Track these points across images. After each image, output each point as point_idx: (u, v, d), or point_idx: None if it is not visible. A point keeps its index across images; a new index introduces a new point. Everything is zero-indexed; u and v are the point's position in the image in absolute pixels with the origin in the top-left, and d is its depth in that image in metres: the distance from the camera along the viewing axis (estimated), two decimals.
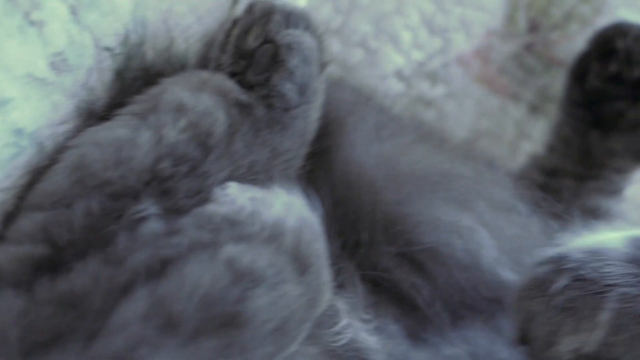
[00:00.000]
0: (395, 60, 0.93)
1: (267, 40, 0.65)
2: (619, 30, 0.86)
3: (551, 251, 0.56)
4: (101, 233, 0.53)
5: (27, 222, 0.55)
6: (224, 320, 0.47)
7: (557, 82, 0.96)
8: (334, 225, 0.69)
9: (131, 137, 0.57)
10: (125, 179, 0.56)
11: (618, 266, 0.53)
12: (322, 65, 0.69)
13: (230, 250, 0.50)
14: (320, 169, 0.71)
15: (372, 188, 0.70)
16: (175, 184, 0.57)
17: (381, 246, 0.69)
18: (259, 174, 0.63)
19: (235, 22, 0.68)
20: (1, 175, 0.56)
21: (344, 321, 0.61)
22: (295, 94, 0.64)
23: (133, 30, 0.65)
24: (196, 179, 0.58)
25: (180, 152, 0.58)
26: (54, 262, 0.52)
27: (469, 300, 0.68)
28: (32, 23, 0.55)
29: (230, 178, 0.60)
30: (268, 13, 0.67)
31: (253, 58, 0.65)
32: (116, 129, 0.58)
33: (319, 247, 0.55)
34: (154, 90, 0.62)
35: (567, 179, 0.92)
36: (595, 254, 0.54)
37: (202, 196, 0.57)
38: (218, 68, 0.67)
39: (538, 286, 0.54)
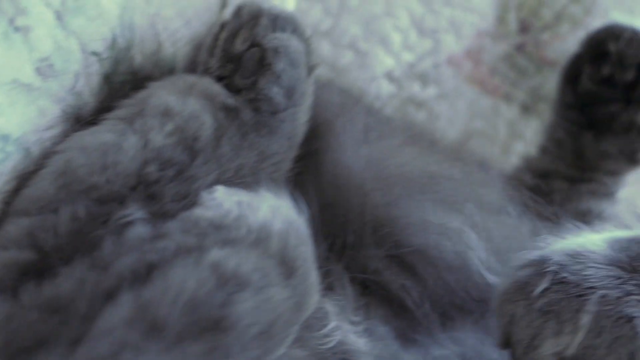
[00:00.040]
0: (385, 61, 0.93)
1: (254, 44, 0.65)
2: (611, 33, 0.86)
3: (533, 254, 0.56)
4: (87, 238, 0.53)
5: (13, 228, 0.55)
6: (208, 324, 0.47)
7: (549, 82, 0.96)
8: (323, 227, 0.69)
9: (117, 142, 0.58)
10: (111, 184, 0.56)
11: (599, 269, 0.53)
12: (310, 68, 0.69)
13: (215, 254, 0.50)
14: (309, 172, 0.71)
15: (360, 190, 0.70)
16: (162, 188, 0.57)
17: (370, 248, 0.69)
18: (247, 177, 0.63)
19: (223, 26, 0.69)
20: None
21: (332, 323, 0.61)
22: (283, 97, 0.64)
23: (120, 35, 0.65)
24: (183, 183, 0.58)
25: (167, 157, 0.58)
26: (39, 267, 0.52)
27: (458, 302, 0.68)
28: (17, 29, 0.55)
29: (218, 182, 0.60)
30: (255, 17, 0.67)
31: (240, 62, 0.65)
32: (102, 133, 0.58)
33: (305, 250, 0.55)
34: (140, 95, 0.62)
35: (559, 181, 0.92)
36: (577, 257, 0.54)
37: (189, 200, 0.57)
38: (206, 72, 0.67)
39: (520, 289, 0.54)
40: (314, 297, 0.56)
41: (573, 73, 0.90)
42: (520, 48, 0.97)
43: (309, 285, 0.55)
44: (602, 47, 0.87)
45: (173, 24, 0.72)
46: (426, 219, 0.69)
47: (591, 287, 0.52)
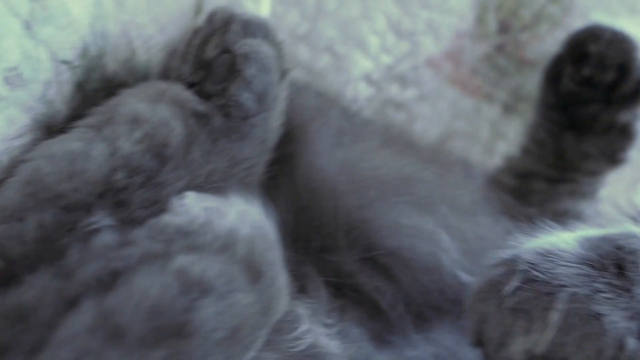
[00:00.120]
0: (363, 64, 0.94)
1: (225, 50, 0.66)
2: (591, 34, 0.87)
3: (505, 253, 0.56)
4: (54, 246, 0.54)
5: None
6: (171, 330, 0.48)
7: (530, 82, 0.97)
8: (297, 230, 0.70)
9: (85, 150, 0.58)
10: (79, 192, 0.56)
11: (569, 267, 0.53)
12: (283, 73, 0.70)
13: (181, 260, 0.51)
14: (284, 175, 0.72)
15: (334, 193, 0.70)
16: (130, 195, 0.58)
17: (344, 251, 0.69)
18: (219, 182, 0.63)
19: (195, 32, 0.69)
20: None
21: (304, 326, 0.62)
22: (253, 102, 0.65)
23: (92, 43, 0.66)
24: (152, 190, 0.59)
25: (136, 163, 0.59)
26: (5, 275, 0.53)
27: (434, 303, 0.69)
28: None
29: (189, 187, 0.60)
30: (227, 23, 0.67)
31: (211, 68, 0.66)
32: (70, 141, 0.59)
33: (272, 255, 0.55)
34: (111, 102, 0.63)
35: (539, 181, 0.92)
36: (547, 255, 0.54)
37: (158, 206, 0.57)
38: (179, 78, 0.68)
39: (491, 288, 0.54)
40: (283, 301, 0.56)
41: (554, 74, 0.90)
42: (500, 48, 0.97)
43: (276, 289, 0.55)
44: (583, 48, 0.87)
45: (147, 30, 0.72)
46: (399, 221, 0.70)
47: (561, 285, 0.52)
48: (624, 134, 0.89)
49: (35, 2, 0.58)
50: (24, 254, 0.54)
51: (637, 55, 0.85)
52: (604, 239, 0.55)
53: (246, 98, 0.64)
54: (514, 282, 0.53)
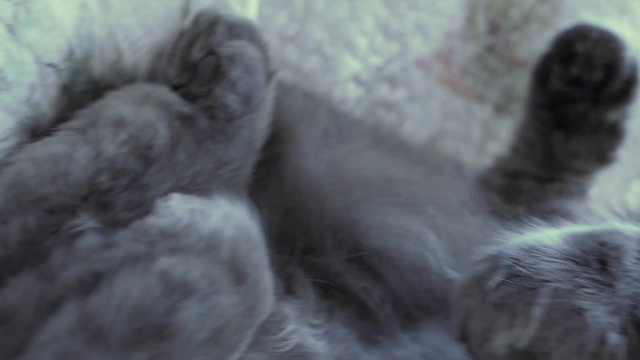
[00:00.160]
0: (352, 65, 0.94)
1: (210, 52, 0.66)
2: (579, 34, 0.87)
3: (489, 249, 0.56)
4: (37, 248, 0.54)
5: None
6: (152, 331, 0.48)
7: (521, 82, 0.97)
8: (284, 231, 0.70)
9: (68, 152, 0.58)
10: (62, 194, 0.57)
11: (552, 262, 0.53)
12: (269, 74, 0.70)
13: (164, 262, 0.51)
14: (271, 177, 0.72)
15: (320, 194, 0.70)
16: (115, 197, 0.58)
17: (331, 251, 0.69)
18: (204, 184, 0.63)
19: (182, 34, 0.69)
20: None
21: (290, 327, 0.62)
22: (239, 104, 0.65)
23: (78, 46, 0.66)
24: (136, 192, 0.59)
25: (120, 166, 0.59)
26: None
27: (422, 303, 0.69)
28: None
29: (174, 189, 0.60)
30: (212, 25, 0.68)
31: (197, 70, 0.66)
32: (54, 144, 0.59)
33: (256, 256, 0.55)
34: (95, 105, 0.63)
35: (528, 181, 0.92)
36: (531, 251, 0.54)
37: (143, 208, 0.58)
38: (165, 80, 0.68)
39: (475, 283, 0.55)
40: (268, 301, 0.57)
41: (543, 73, 0.90)
42: (490, 49, 0.98)
43: (261, 290, 0.55)
44: (571, 47, 0.87)
45: (134, 33, 0.72)
46: (386, 222, 0.70)
47: (544, 281, 0.53)
48: (613, 133, 0.89)
49: (19, 5, 0.59)
50: (7, 256, 0.54)
51: (624, 54, 0.85)
52: (588, 235, 0.55)
53: (231, 100, 0.65)
54: (498, 278, 0.54)
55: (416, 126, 0.98)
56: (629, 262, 0.53)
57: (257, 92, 0.67)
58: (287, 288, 0.66)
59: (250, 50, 0.67)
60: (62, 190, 0.57)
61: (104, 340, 0.47)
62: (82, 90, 0.67)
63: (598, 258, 0.53)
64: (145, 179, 0.60)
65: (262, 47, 0.69)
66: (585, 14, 0.92)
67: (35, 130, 0.62)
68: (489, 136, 1.00)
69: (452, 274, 0.68)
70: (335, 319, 0.67)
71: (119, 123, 0.60)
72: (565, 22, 0.94)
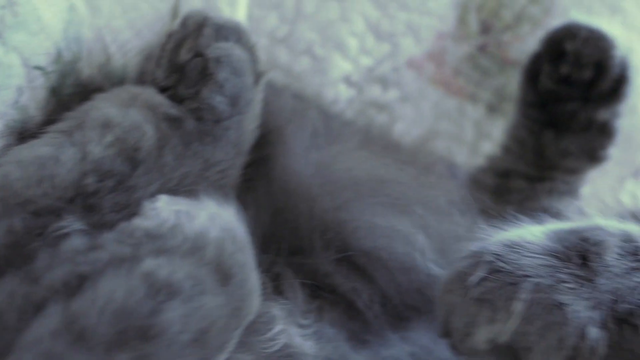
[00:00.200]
0: (342, 66, 0.94)
1: (198, 54, 0.66)
2: (568, 32, 0.87)
3: (473, 245, 0.57)
4: (23, 251, 0.54)
5: None
6: (136, 333, 0.48)
7: (514, 82, 0.97)
8: (274, 232, 0.70)
9: (54, 155, 0.58)
10: (48, 197, 0.57)
11: (534, 258, 0.54)
12: (258, 76, 0.70)
13: (148, 264, 0.51)
14: (260, 178, 0.72)
15: (309, 195, 0.71)
16: (101, 199, 0.58)
17: (320, 252, 0.70)
18: (192, 185, 0.63)
19: (170, 36, 0.69)
20: None
21: (278, 327, 0.62)
22: (226, 105, 0.65)
23: (66, 48, 0.66)
24: (123, 193, 0.59)
25: (106, 168, 0.59)
26: None
27: (412, 302, 0.69)
28: None
29: (161, 191, 0.61)
30: (200, 26, 0.68)
31: (184, 72, 0.66)
32: (40, 147, 0.59)
33: (242, 257, 0.55)
34: (82, 107, 0.63)
35: (519, 180, 0.93)
36: (513, 247, 0.55)
37: (129, 210, 0.58)
38: (153, 82, 0.68)
39: (458, 279, 0.55)
40: (254, 302, 0.57)
41: (533, 72, 0.91)
42: (482, 49, 0.98)
43: (247, 291, 0.56)
44: (560, 46, 0.87)
45: (123, 35, 0.72)
46: (375, 222, 0.70)
47: (525, 276, 0.53)
48: (603, 132, 0.90)
49: (5, 8, 0.59)
50: None
51: (613, 53, 0.86)
52: (571, 232, 0.56)
53: (219, 101, 0.65)
54: (479, 273, 0.54)
55: (408, 126, 0.98)
56: (610, 257, 0.53)
57: (244, 93, 0.67)
58: (275, 288, 0.66)
59: (237, 52, 0.67)
60: (48, 192, 0.57)
61: (88, 342, 0.47)
62: (70, 92, 0.67)
63: (579, 254, 0.54)
64: (132, 180, 0.60)
65: (250, 49, 0.69)
66: (576, 13, 0.92)
67: (23, 133, 0.63)
68: (481, 136, 1.00)
69: (440, 273, 0.68)
70: (324, 319, 0.67)
71: (106, 125, 0.61)
72: (556, 22, 0.94)
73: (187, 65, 0.66)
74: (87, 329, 0.47)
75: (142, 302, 0.49)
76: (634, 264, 0.53)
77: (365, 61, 0.95)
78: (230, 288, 0.54)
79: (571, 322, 0.51)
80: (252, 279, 0.57)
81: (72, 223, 0.55)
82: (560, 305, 0.52)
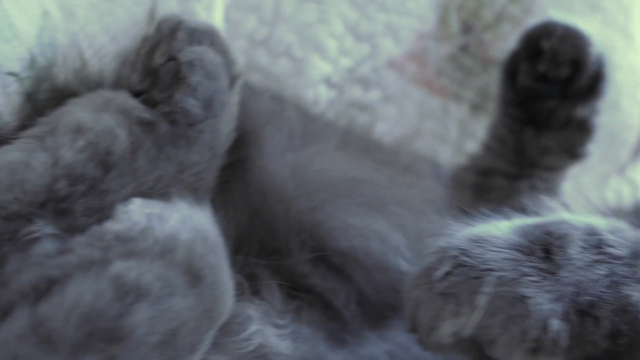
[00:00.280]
0: (322, 67, 0.95)
1: (171, 58, 0.67)
2: (545, 31, 0.87)
3: (440, 241, 0.57)
4: None
5: None
6: (103, 335, 0.49)
7: (497, 81, 0.97)
8: (251, 234, 0.70)
9: (25, 160, 0.59)
10: (18, 202, 0.57)
11: (498, 252, 0.54)
12: (233, 79, 0.71)
13: (118, 266, 0.52)
14: (237, 180, 0.73)
15: (284, 197, 0.71)
16: (73, 204, 0.59)
17: (297, 253, 0.70)
18: (167, 188, 0.64)
19: (145, 40, 0.70)
20: None
21: (253, 327, 0.63)
22: (200, 109, 0.66)
23: (40, 54, 0.67)
24: (96, 197, 0.60)
25: (78, 172, 0.60)
26: None
27: (389, 301, 0.70)
28: None
29: (135, 194, 0.61)
30: (174, 30, 0.68)
31: (158, 76, 0.66)
32: (11, 152, 0.59)
33: (214, 258, 0.56)
34: (55, 113, 0.63)
35: (499, 178, 0.93)
36: (479, 242, 0.55)
37: (102, 214, 0.58)
38: (128, 86, 0.69)
39: (424, 274, 0.56)
40: (227, 303, 0.57)
41: (511, 70, 0.91)
42: (464, 48, 0.98)
43: (219, 292, 0.56)
44: (537, 44, 0.88)
45: (98, 40, 0.73)
46: (350, 222, 0.71)
47: (489, 270, 0.54)
48: (582, 129, 0.90)
49: None
50: None
51: (589, 50, 0.86)
52: (536, 226, 0.56)
53: (192, 105, 0.65)
54: (444, 268, 0.55)
55: (392, 126, 0.98)
56: (573, 250, 0.54)
57: (218, 96, 0.67)
58: (252, 289, 0.67)
59: (210, 55, 0.67)
60: (18, 197, 0.57)
61: (54, 345, 0.47)
62: (45, 98, 0.67)
63: (543, 247, 0.54)
64: (104, 184, 0.60)
65: (224, 52, 0.69)
66: (554, 12, 0.92)
67: None
68: (465, 135, 1.01)
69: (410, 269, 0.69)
70: (301, 320, 0.67)
71: (78, 130, 0.61)
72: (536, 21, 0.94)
73: (160, 69, 0.67)
74: (53, 332, 0.48)
75: (110, 305, 0.49)
76: (597, 257, 0.54)
77: (345, 62, 0.96)
78: (200, 289, 0.54)
79: (533, 314, 0.52)
80: (224, 280, 0.57)
81: (43, 227, 0.56)
82: (522, 298, 0.52)
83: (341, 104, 0.96)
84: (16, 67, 0.64)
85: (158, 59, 0.67)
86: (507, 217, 0.60)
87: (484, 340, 0.53)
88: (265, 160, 0.73)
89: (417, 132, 0.99)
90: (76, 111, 0.63)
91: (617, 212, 0.68)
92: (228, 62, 0.70)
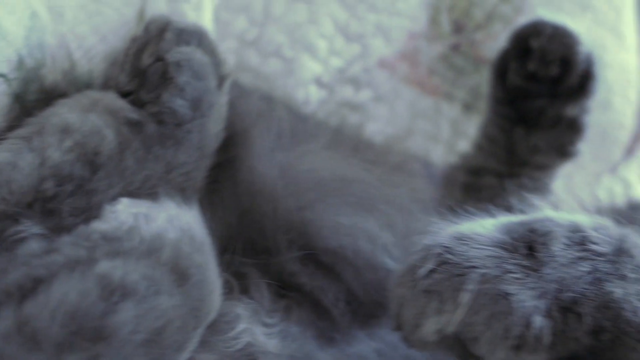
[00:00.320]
0: (312, 67, 0.95)
1: (159, 58, 0.67)
2: (534, 30, 0.88)
3: (425, 239, 0.57)
4: None
5: None
6: (88, 334, 0.49)
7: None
8: (240, 233, 0.71)
9: (12, 161, 0.59)
10: (5, 202, 0.58)
11: (482, 249, 0.55)
12: (221, 79, 0.71)
13: (103, 266, 0.52)
14: (226, 179, 0.73)
15: (273, 196, 0.71)
16: (60, 204, 0.59)
17: (286, 252, 0.70)
18: (155, 188, 0.64)
19: (133, 41, 0.70)
20: None
21: (241, 326, 0.63)
22: (188, 109, 0.66)
23: (28, 55, 0.67)
24: (83, 197, 0.60)
25: (65, 172, 0.60)
26: None
27: (378, 299, 0.70)
28: None
29: (123, 194, 0.61)
30: (162, 31, 0.69)
31: (146, 76, 0.67)
32: None
33: (200, 257, 0.56)
34: (43, 113, 0.64)
35: (489, 177, 0.93)
36: (463, 239, 0.56)
37: (89, 214, 0.58)
38: (116, 87, 0.69)
39: (408, 272, 0.56)
40: (214, 302, 0.58)
41: (501, 69, 0.91)
42: (455, 48, 0.98)
43: (205, 291, 0.56)
44: (526, 43, 0.88)
45: (87, 41, 0.73)
46: (339, 221, 0.71)
47: (472, 267, 0.54)
48: (572, 127, 0.90)
49: None
50: None
51: (579, 49, 0.86)
52: (520, 224, 0.57)
53: (180, 105, 0.65)
54: (428, 265, 0.55)
55: (384, 126, 0.98)
56: (556, 247, 0.54)
57: (206, 96, 0.67)
58: (241, 288, 0.67)
59: (198, 56, 0.67)
60: (5, 197, 0.58)
61: (39, 344, 0.48)
62: (34, 99, 0.68)
63: (527, 244, 0.55)
64: (92, 184, 0.61)
65: (212, 52, 0.70)
66: (544, 11, 0.92)
67: None
68: (458, 134, 1.01)
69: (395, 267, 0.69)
70: (291, 318, 0.68)
71: (65, 130, 0.61)
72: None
73: (148, 70, 0.67)
74: (38, 331, 0.48)
75: (95, 304, 0.50)
76: (580, 254, 0.54)
77: (336, 62, 0.96)
78: (187, 288, 0.54)
79: (516, 311, 0.52)
80: (212, 279, 0.57)
81: (29, 227, 0.56)
82: (506, 295, 0.52)
83: (332, 104, 0.96)
84: (4, 68, 0.64)
85: (146, 59, 0.68)
86: (493, 215, 0.60)
87: (468, 337, 0.53)
88: (254, 159, 0.73)
89: (409, 131, 0.99)
90: (63, 112, 0.63)
91: (609, 211, 0.68)
92: (216, 62, 0.70)
